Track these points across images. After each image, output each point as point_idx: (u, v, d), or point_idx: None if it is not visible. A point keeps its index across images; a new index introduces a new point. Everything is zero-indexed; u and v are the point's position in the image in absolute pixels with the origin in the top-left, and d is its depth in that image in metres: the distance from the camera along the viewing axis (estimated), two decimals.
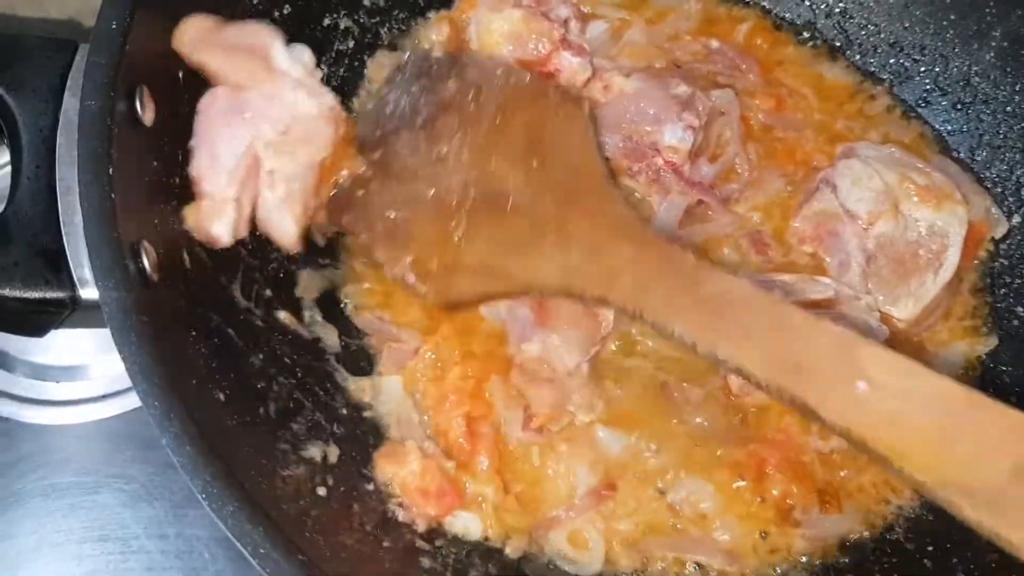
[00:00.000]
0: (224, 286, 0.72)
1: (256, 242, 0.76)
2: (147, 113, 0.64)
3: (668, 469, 0.77)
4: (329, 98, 0.73)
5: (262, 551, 0.53)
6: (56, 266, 0.66)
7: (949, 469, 0.52)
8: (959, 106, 0.89)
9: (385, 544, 0.70)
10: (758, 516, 0.76)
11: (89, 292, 0.66)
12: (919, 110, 0.90)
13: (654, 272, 0.65)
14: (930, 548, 0.74)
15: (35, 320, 0.69)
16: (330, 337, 0.80)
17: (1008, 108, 0.86)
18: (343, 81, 0.88)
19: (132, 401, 0.93)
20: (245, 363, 0.70)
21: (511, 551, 0.75)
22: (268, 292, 0.77)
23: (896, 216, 0.80)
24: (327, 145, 0.73)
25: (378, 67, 0.90)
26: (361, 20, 0.89)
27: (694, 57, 0.91)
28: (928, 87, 0.90)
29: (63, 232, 0.66)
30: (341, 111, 0.75)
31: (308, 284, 0.81)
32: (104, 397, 0.94)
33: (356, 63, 0.88)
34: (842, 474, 0.77)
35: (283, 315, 0.77)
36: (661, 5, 0.94)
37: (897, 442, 0.54)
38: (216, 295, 0.71)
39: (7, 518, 0.89)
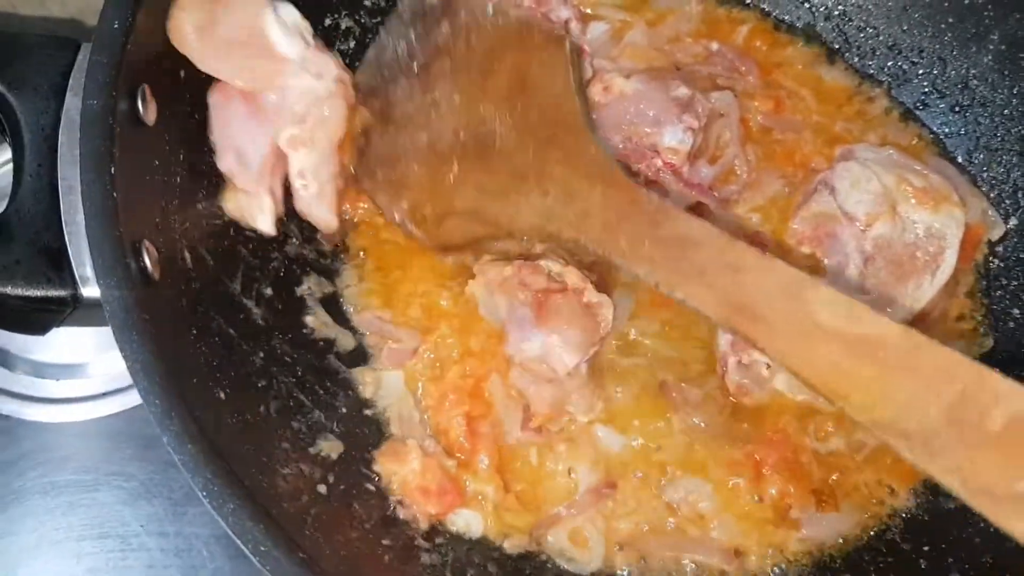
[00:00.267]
0: (225, 285, 0.72)
1: (257, 241, 0.76)
2: (149, 112, 0.64)
3: (667, 468, 0.78)
4: (332, 67, 0.74)
5: (263, 548, 0.54)
6: (58, 264, 0.67)
7: (887, 411, 0.54)
8: (957, 109, 0.89)
9: (385, 542, 0.70)
10: (755, 515, 0.76)
11: (91, 290, 0.66)
12: (917, 112, 0.91)
13: (620, 214, 0.68)
14: (925, 548, 0.75)
15: (37, 318, 0.69)
16: (331, 336, 0.80)
17: (1005, 111, 0.87)
18: None
19: (132, 399, 0.93)
20: (246, 362, 0.70)
21: (510, 549, 0.75)
22: (269, 291, 0.77)
23: (894, 218, 0.81)
24: (343, 120, 0.75)
25: None
26: (362, 20, 0.89)
27: (694, 59, 0.91)
28: (926, 90, 0.91)
29: (65, 231, 0.67)
30: (347, 77, 0.76)
31: (309, 283, 0.81)
32: (104, 395, 0.94)
33: (357, 63, 0.88)
34: (837, 476, 0.77)
35: (284, 314, 0.77)
36: (662, 7, 0.94)
37: (840, 383, 0.56)
38: (217, 294, 0.71)
39: (7, 515, 0.89)
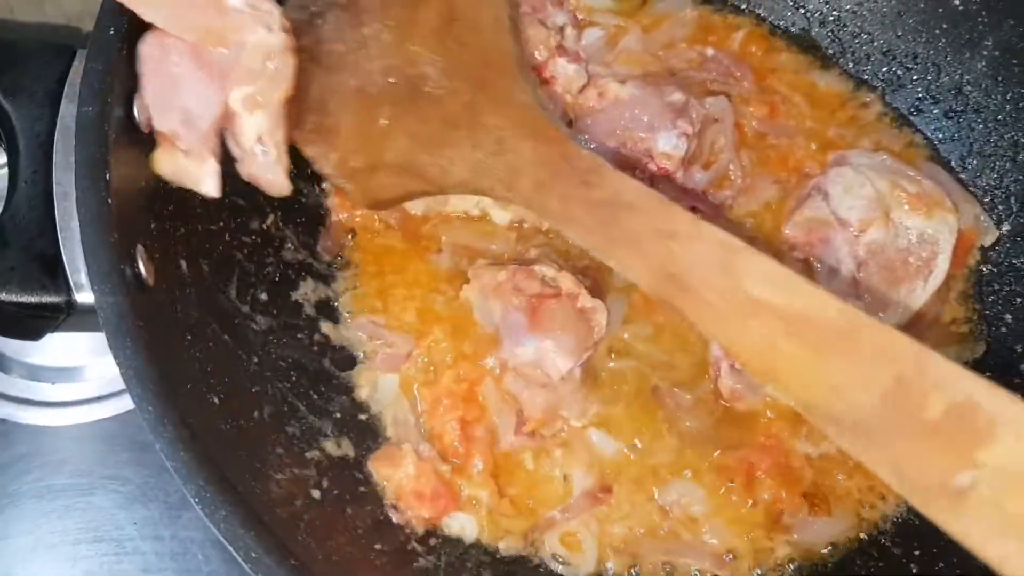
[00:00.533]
0: (220, 290, 0.72)
1: (253, 246, 0.77)
2: (144, 119, 0.64)
3: (660, 472, 0.78)
4: (278, 15, 0.66)
5: (254, 555, 0.54)
6: (52, 271, 0.67)
7: (819, 393, 0.49)
8: (950, 114, 0.90)
9: (378, 547, 0.70)
10: (747, 520, 0.77)
11: (85, 296, 0.67)
12: (911, 118, 0.91)
13: (553, 172, 0.63)
14: (916, 552, 0.75)
15: (31, 324, 0.70)
16: (325, 341, 0.81)
17: (999, 117, 0.87)
18: None
19: (127, 403, 0.93)
20: (240, 367, 0.70)
21: (505, 552, 0.76)
22: (264, 296, 0.77)
23: (887, 223, 0.81)
24: (292, 76, 0.67)
25: None
26: None
27: (689, 64, 0.91)
28: (920, 95, 0.91)
29: (59, 237, 0.67)
30: (288, 24, 0.67)
31: (304, 289, 0.81)
32: (99, 399, 0.94)
33: None
34: (829, 480, 0.78)
35: (279, 319, 0.77)
36: (657, 12, 0.94)
37: (771, 362, 0.51)
38: (212, 299, 0.71)
39: (2, 519, 0.89)
